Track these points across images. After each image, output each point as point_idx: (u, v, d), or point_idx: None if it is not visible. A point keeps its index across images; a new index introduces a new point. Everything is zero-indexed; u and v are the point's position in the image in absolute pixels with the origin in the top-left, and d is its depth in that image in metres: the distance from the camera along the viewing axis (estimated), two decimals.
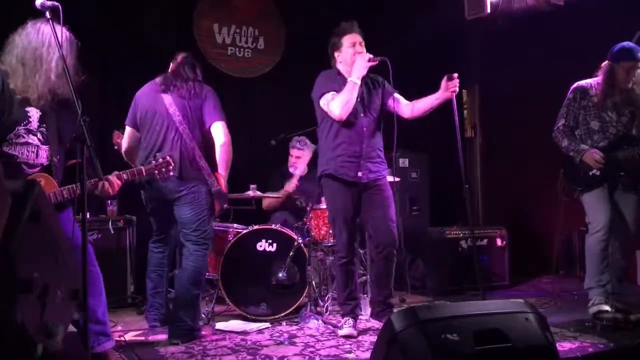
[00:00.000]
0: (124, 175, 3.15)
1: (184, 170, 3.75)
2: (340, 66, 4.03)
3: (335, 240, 4.07)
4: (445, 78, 3.80)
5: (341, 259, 3.97)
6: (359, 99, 3.92)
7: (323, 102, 3.93)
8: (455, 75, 3.79)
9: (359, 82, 3.84)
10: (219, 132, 3.85)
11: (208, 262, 4.01)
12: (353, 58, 3.91)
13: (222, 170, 3.88)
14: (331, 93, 3.90)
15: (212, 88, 4.00)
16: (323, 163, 4.03)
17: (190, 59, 4.03)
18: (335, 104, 3.84)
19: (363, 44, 3.99)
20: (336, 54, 4.05)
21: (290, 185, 5.33)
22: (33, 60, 2.87)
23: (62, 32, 2.86)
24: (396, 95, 4.07)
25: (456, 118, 3.67)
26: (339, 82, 3.93)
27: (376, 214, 3.95)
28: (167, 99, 3.83)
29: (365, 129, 3.95)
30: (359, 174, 3.90)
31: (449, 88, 3.79)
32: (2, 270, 1.36)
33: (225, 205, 4.31)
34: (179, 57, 4.02)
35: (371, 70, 3.97)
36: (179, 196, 3.78)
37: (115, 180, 3.09)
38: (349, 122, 3.92)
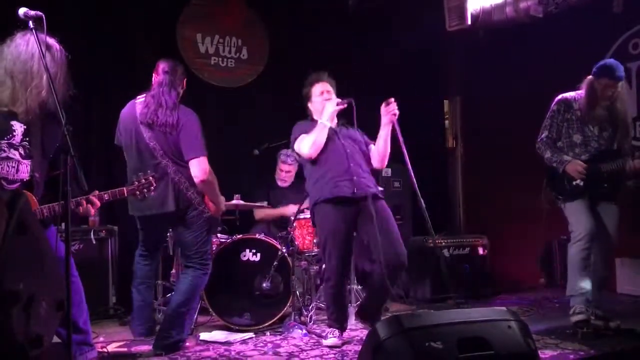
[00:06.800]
0: (105, 196, 3.08)
1: (179, 203, 3.69)
2: (315, 116, 4.11)
3: (325, 265, 4.00)
4: (383, 104, 3.86)
5: (332, 287, 3.89)
6: (337, 136, 4.00)
7: (296, 146, 4.03)
8: (392, 99, 3.86)
9: (328, 124, 3.94)
10: (195, 169, 3.68)
11: (205, 282, 3.91)
12: (323, 104, 4.02)
13: (211, 202, 3.81)
14: (302, 135, 4.00)
15: (191, 110, 3.81)
16: (316, 192, 3.97)
17: (171, 69, 3.82)
18: (304, 143, 3.96)
19: (331, 92, 4.13)
20: (309, 105, 4.18)
21: (291, 209, 5.10)
22: (23, 74, 2.80)
23: (53, 45, 2.84)
24: (371, 146, 4.14)
25: (402, 142, 3.72)
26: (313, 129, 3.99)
27: (382, 232, 3.75)
28: (146, 132, 3.70)
29: (348, 150, 3.97)
30: (355, 190, 3.84)
31: (388, 112, 3.84)
32: None
33: (219, 228, 4.29)
34: (160, 66, 3.85)
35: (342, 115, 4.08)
36: (178, 222, 3.76)
37: (96, 201, 3.02)
38: (328, 150, 3.96)
